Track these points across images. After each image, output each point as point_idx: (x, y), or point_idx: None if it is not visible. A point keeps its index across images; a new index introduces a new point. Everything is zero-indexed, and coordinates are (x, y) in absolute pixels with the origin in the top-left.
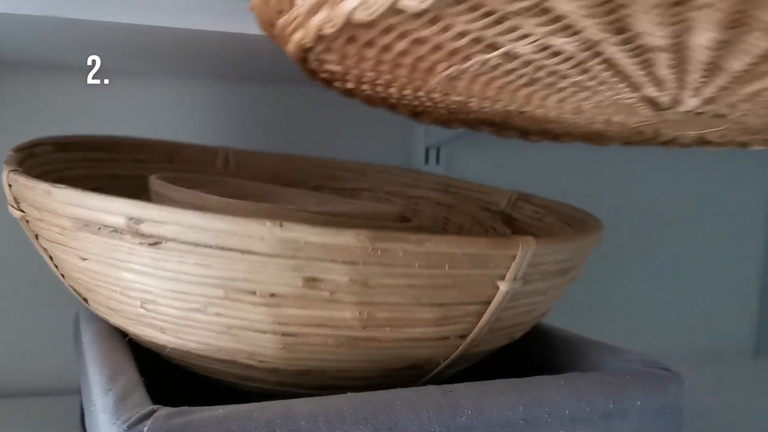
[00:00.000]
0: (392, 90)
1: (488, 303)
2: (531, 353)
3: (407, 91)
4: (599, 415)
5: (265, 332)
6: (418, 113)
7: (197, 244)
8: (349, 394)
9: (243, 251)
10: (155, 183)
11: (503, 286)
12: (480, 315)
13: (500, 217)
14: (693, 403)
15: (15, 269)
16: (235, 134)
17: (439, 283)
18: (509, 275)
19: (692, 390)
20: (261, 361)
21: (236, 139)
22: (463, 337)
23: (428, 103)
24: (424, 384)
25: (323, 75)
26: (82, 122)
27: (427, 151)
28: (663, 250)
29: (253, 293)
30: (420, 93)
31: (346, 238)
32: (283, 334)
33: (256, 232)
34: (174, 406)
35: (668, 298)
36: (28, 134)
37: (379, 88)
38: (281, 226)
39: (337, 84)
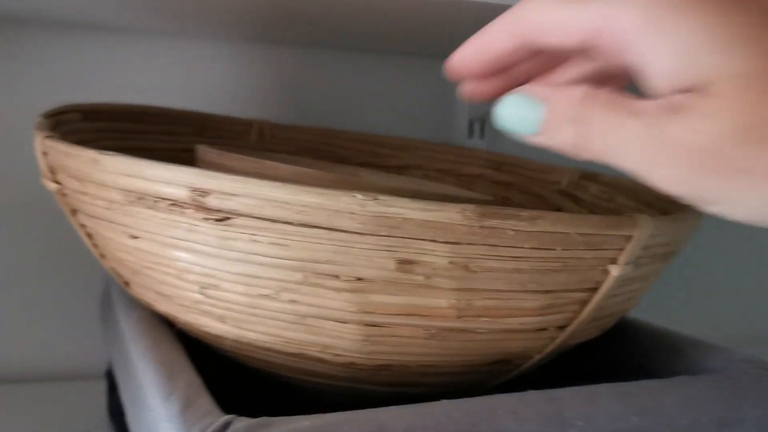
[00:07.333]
0: None
1: (595, 290)
2: (612, 349)
3: None
4: (716, 425)
5: (346, 322)
6: None
7: (275, 220)
8: (444, 401)
9: (329, 228)
10: (208, 152)
11: (614, 271)
12: (584, 303)
13: (563, 197)
14: None
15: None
16: (265, 104)
17: (549, 267)
18: (622, 258)
19: None
20: (336, 355)
21: (267, 109)
22: (562, 328)
23: None
24: (508, 380)
25: None
26: (104, 87)
27: (470, 123)
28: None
29: (336, 277)
30: None
31: (451, 214)
32: (367, 324)
33: (346, 206)
34: (228, 405)
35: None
36: (44, 99)
37: None
38: (376, 199)
39: None
